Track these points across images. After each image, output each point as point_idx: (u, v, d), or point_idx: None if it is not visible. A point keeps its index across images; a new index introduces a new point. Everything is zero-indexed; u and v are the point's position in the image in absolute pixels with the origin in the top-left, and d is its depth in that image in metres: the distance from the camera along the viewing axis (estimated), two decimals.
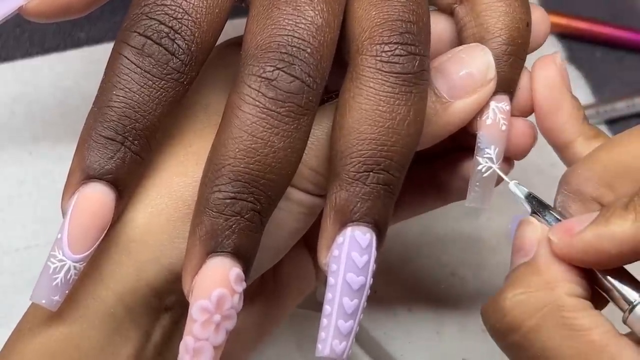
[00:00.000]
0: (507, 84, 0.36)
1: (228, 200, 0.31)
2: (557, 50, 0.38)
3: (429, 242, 0.49)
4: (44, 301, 0.31)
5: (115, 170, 0.32)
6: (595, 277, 0.33)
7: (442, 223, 0.49)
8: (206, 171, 0.31)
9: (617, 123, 0.56)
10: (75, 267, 0.31)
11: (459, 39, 0.37)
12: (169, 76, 0.32)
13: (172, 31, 0.32)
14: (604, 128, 0.55)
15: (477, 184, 0.36)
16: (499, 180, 0.36)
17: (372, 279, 0.32)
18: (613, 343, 0.31)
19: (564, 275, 0.32)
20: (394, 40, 0.32)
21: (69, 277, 0.31)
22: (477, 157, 0.36)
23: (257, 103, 0.31)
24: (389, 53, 0.32)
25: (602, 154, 0.34)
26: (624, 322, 0.32)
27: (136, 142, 0.32)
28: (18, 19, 0.37)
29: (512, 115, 0.36)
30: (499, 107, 0.36)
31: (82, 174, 0.32)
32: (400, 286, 0.47)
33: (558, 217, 0.34)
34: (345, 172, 0.32)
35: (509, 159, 0.37)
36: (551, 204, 0.35)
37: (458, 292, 0.47)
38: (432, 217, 0.49)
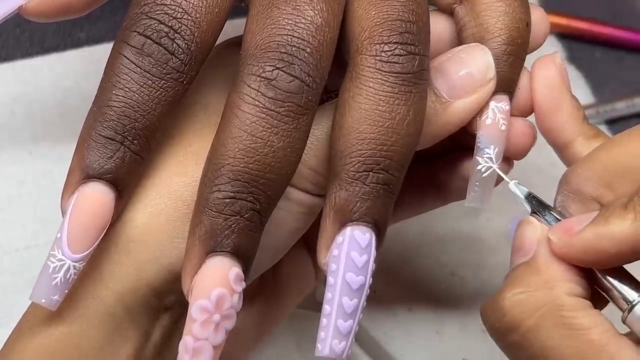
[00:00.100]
0: (506, 84, 0.36)
1: (227, 200, 0.31)
2: (556, 50, 0.38)
3: (429, 242, 0.49)
4: (43, 300, 0.31)
5: (114, 169, 0.32)
6: (595, 277, 0.33)
7: (441, 223, 0.49)
8: (205, 171, 0.31)
9: (617, 123, 0.56)
10: (74, 267, 0.31)
11: (459, 39, 0.37)
12: (168, 76, 0.32)
13: (171, 31, 0.32)
14: (604, 128, 0.55)
15: (477, 183, 0.36)
16: (499, 180, 0.36)
17: (371, 279, 0.32)
18: (612, 342, 0.31)
19: (564, 274, 0.32)
20: (394, 40, 0.32)
21: (68, 276, 0.31)
22: (477, 157, 0.36)
23: (257, 103, 0.31)
24: (389, 53, 0.32)
25: (602, 154, 0.34)
26: (623, 321, 0.32)
27: (136, 141, 0.32)
28: (18, 18, 0.37)
29: (512, 115, 0.36)
30: (499, 107, 0.36)
31: (82, 173, 0.32)
32: (400, 286, 0.47)
33: (558, 217, 0.34)
34: (345, 171, 0.32)
35: (508, 159, 0.37)
36: (551, 203, 0.35)
37: (458, 292, 0.47)
38: (431, 217, 0.49)
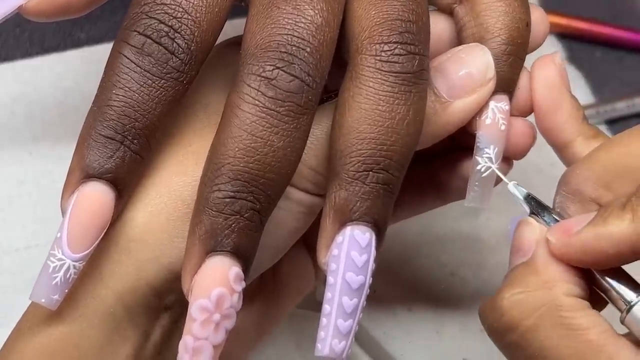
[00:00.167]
0: (506, 84, 0.36)
1: (227, 200, 0.31)
2: (556, 50, 0.38)
3: (429, 242, 0.49)
4: (43, 300, 0.31)
5: (114, 169, 0.32)
6: (593, 277, 0.33)
7: (441, 223, 0.49)
8: (206, 170, 0.31)
9: (617, 123, 0.56)
10: (74, 266, 0.31)
11: (459, 39, 0.37)
12: (168, 75, 0.32)
13: (171, 30, 0.32)
14: (604, 128, 0.55)
15: (476, 183, 0.36)
16: (498, 180, 0.36)
17: (371, 278, 0.32)
18: (610, 343, 0.31)
19: (562, 275, 0.32)
20: (394, 40, 0.32)
21: (68, 276, 0.31)
22: (477, 157, 0.36)
23: (257, 102, 0.31)
24: (389, 52, 0.32)
25: (601, 155, 0.34)
26: (622, 322, 0.32)
27: (136, 141, 0.32)
28: (18, 18, 0.37)
29: (512, 115, 0.37)
30: (498, 106, 0.36)
31: (82, 173, 0.32)
32: (400, 286, 0.47)
33: (557, 217, 0.34)
34: (345, 171, 0.32)
35: (508, 159, 0.37)
36: (550, 204, 0.35)
37: (458, 292, 0.47)
38: (432, 217, 0.49)
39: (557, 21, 0.58)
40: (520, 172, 0.39)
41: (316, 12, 0.32)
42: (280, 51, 0.31)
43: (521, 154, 0.37)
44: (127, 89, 0.32)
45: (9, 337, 0.33)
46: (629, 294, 0.32)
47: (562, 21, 0.59)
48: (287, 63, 0.31)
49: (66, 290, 0.31)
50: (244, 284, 0.31)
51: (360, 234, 0.31)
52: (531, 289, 0.32)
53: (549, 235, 0.33)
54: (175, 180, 0.33)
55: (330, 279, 0.31)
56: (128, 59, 0.32)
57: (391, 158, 0.32)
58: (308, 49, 0.31)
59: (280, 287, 0.40)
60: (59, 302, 0.31)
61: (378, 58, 0.32)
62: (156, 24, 0.32)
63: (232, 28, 0.37)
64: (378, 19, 0.32)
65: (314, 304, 0.43)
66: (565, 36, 0.59)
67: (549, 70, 0.36)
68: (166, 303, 0.33)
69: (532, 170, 0.49)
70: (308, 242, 0.39)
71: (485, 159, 0.36)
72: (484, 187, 0.36)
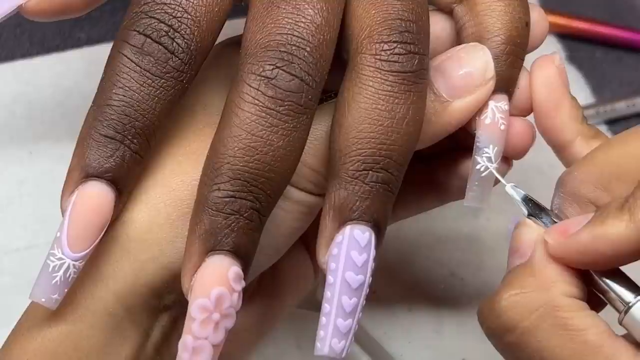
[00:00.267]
0: (506, 84, 0.36)
1: (227, 199, 0.31)
2: (555, 51, 0.38)
3: (429, 243, 0.49)
4: (43, 299, 0.31)
5: (114, 168, 0.32)
6: (591, 279, 0.33)
7: (441, 223, 0.49)
8: (205, 170, 0.31)
9: (617, 123, 0.56)
10: (74, 266, 0.31)
11: (458, 39, 0.37)
12: (168, 75, 0.32)
13: (171, 30, 0.32)
14: (603, 128, 0.55)
15: (476, 183, 0.36)
16: (498, 179, 0.36)
17: (371, 278, 0.31)
18: (608, 344, 0.31)
19: (560, 276, 0.32)
20: (394, 39, 0.32)
21: (68, 275, 0.31)
22: (476, 157, 0.36)
23: (257, 102, 0.31)
24: (389, 52, 0.32)
25: (599, 156, 0.34)
26: (620, 323, 0.32)
27: (135, 140, 0.32)
28: (18, 18, 0.37)
29: (511, 114, 0.36)
30: (498, 106, 0.36)
31: (82, 172, 0.32)
32: (400, 286, 0.47)
33: (554, 219, 0.34)
34: (345, 170, 0.32)
35: (507, 159, 0.37)
36: (549, 205, 0.35)
37: (457, 292, 0.47)
38: (431, 218, 0.49)
39: (557, 21, 0.59)
40: (520, 173, 0.39)
41: (316, 11, 0.32)
42: (280, 50, 0.31)
43: (521, 153, 0.37)
44: (127, 88, 0.32)
45: (8, 337, 0.33)
46: (627, 295, 0.32)
47: (562, 21, 0.59)
48: (287, 62, 0.31)
49: (66, 290, 0.31)
50: (243, 284, 0.31)
51: (360, 233, 0.31)
52: (528, 290, 0.32)
53: (547, 237, 0.33)
54: (175, 179, 0.33)
55: (329, 278, 0.31)
56: (128, 58, 0.32)
57: (391, 157, 0.32)
58: (308, 49, 0.31)
59: (279, 286, 0.40)
60: (59, 302, 0.31)
61: (378, 57, 0.32)
62: (156, 24, 0.32)
63: (232, 28, 0.37)
64: (378, 19, 0.32)
65: (314, 304, 0.43)
66: (565, 36, 0.59)
67: (549, 70, 0.36)
68: (166, 303, 0.33)
69: (532, 171, 0.50)
70: (307, 241, 0.39)
71: (485, 158, 0.36)
72: (483, 187, 0.36)
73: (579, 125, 0.36)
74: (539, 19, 0.37)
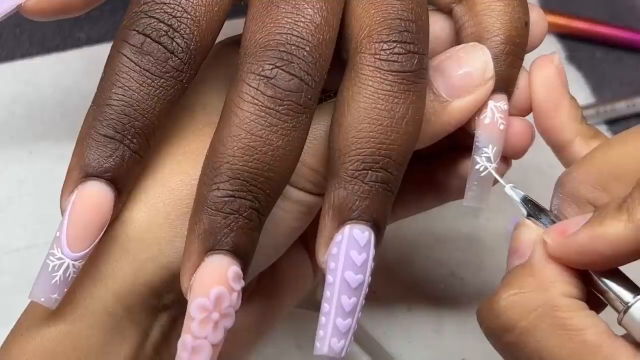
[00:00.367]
0: (505, 83, 0.36)
1: (226, 199, 0.31)
2: (555, 51, 0.38)
3: (428, 242, 0.49)
4: (42, 299, 0.31)
5: (114, 168, 0.32)
6: (590, 279, 0.33)
7: (441, 223, 0.49)
8: (204, 169, 0.31)
9: (617, 123, 0.56)
10: (74, 265, 0.31)
11: (458, 38, 0.37)
12: (167, 74, 0.32)
13: (171, 29, 0.32)
14: (603, 128, 0.55)
15: (475, 183, 0.36)
16: (497, 179, 0.36)
17: (370, 277, 0.31)
18: (607, 344, 0.31)
19: (559, 276, 0.32)
20: (393, 39, 0.32)
21: (67, 275, 0.31)
22: (475, 156, 0.36)
23: (256, 101, 0.31)
24: (388, 51, 0.32)
25: (597, 157, 0.34)
26: (619, 322, 0.32)
27: (135, 140, 0.32)
28: (18, 18, 0.37)
29: (511, 114, 0.37)
30: (497, 106, 0.36)
31: (81, 172, 0.32)
32: (400, 286, 0.47)
33: (554, 219, 0.34)
34: (344, 170, 0.32)
35: (506, 159, 0.37)
36: (549, 205, 0.35)
37: (457, 292, 0.47)
38: (431, 217, 0.49)
39: (557, 21, 0.59)
40: (520, 173, 0.39)
41: (315, 11, 0.32)
42: (279, 50, 0.31)
43: (520, 153, 0.37)
44: (126, 88, 0.32)
45: (7, 336, 0.33)
46: (625, 295, 0.32)
47: (562, 21, 0.59)
48: (286, 62, 0.31)
49: (65, 289, 0.31)
50: (242, 283, 0.31)
51: (359, 233, 0.31)
52: (527, 290, 0.32)
53: (546, 237, 0.33)
54: (174, 179, 0.33)
55: (329, 278, 0.31)
56: (127, 58, 0.32)
57: (390, 157, 0.32)
58: (307, 48, 0.31)
59: (278, 286, 0.40)
60: (58, 301, 0.31)
61: (377, 57, 0.32)
62: (155, 23, 0.32)
63: (232, 28, 0.37)
64: (377, 18, 0.32)
65: (314, 303, 0.43)
66: (565, 36, 0.59)
67: (548, 70, 0.36)
68: (165, 302, 0.33)
69: (532, 171, 0.50)
70: (307, 241, 0.39)
71: (484, 158, 0.36)
72: (482, 187, 0.36)
73: (578, 125, 0.36)
74: (538, 18, 0.37)
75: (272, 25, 0.32)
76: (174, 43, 0.32)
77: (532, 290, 0.32)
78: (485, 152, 0.36)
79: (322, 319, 0.31)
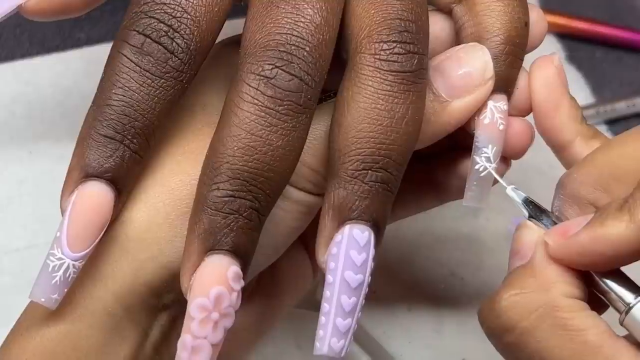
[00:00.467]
0: (505, 84, 0.36)
1: (226, 198, 0.31)
2: (555, 51, 0.38)
3: (428, 242, 0.49)
4: (42, 299, 0.31)
5: (114, 168, 0.32)
6: (592, 279, 0.32)
7: (441, 223, 0.49)
8: (204, 169, 0.31)
9: (617, 123, 0.56)
10: (74, 266, 0.31)
11: (458, 39, 0.37)
12: (168, 75, 0.32)
13: (171, 30, 0.32)
14: (603, 128, 0.55)
15: (475, 183, 0.36)
16: (497, 179, 0.36)
17: (370, 277, 0.32)
18: (608, 344, 0.31)
19: (560, 277, 0.32)
20: (393, 39, 0.32)
21: (67, 275, 0.31)
22: (475, 157, 0.36)
23: (256, 101, 0.31)
24: (388, 51, 0.32)
25: (598, 158, 0.34)
26: (621, 323, 0.32)
27: (135, 140, 0.32)
28: (18, 18, 0.37)
29: (511, 115, 0.37)
30: (497, 106, 0.36)
31: (81, 172, 0.32)
32: (400, 286, 0.47)
33: (555, 220, 0.34)
34: (344, 170, 0.32)
35: (506, 159, 0.37)
36: (549, 206, 0.35)
37: (457, 292, 0.47)
38: (431, 217, 0.49)
39: (557, 21, 0.59)
40: (520, 174, 0.39)
41: (315, 11, 0.32)
42: (279, 50, 0.31)
43: (519, 153, 0.37)
44: (126, 88, 0.32)
45: (7, 336, 0.33)
46: (627, 295, 0.32)
47: (562, 21, 0.59)
48: (286, 62, 0.31)
49: (65, 290, 0.31)
50: (242, 283, 0.31)
51: (359, 233, 0.31)
52: (528, 290, 0.32)
53: (547, 238, 0.33)
54: (174, 179, 0.33)
55: (329, 278, 0.31)
56: (127, 58, 0.32)
57: (390, 157, 0.32)
58: (307, 48, 0.31)
59: (278, 286, 0.40)
60: (59, 302, 0.31)
61: (377, 57, 0.32)
62: (155, 24, 0.32)
63: (232, 28, 0.37)
64: (377, 18, 0.32)
65: (314, 303, 0.43)
66: (565, 36, 0.59)
67: (548, 71, 0.36)
68: (165, 302, 0.33)
69: (532, 171, 0.50)
70: (306, 241, 0.39)
71: (484, 158, 0.36)
72: (482, 187, 0.36)
73: (578, 126, 0.36)
74: (537, 19, 0.37)
75: (272, 25, 0.32)
76: (174, 43, 0.32)
77: (533, 290, 0.32)
78: (485, 152, 0.36)
79: (322, 319, 0.31)
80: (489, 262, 0.48)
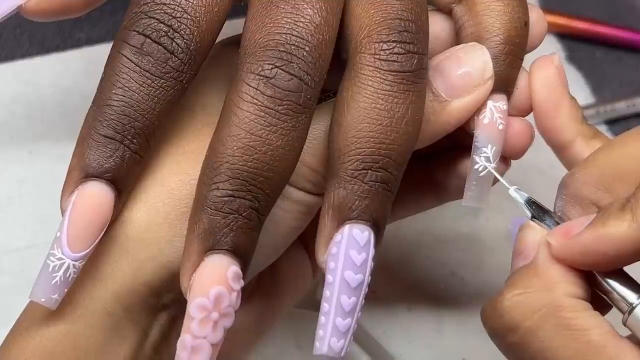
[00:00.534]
0: (504, 83, 0.36)
1: (226, 198, 0.31)
2: (554, 51, 0.38)
3: (429, 242, 0.49)
4: (43, 299, 0.31)
5: (114, 168, 0.32)
6: (595, 279, 0.32)
7: (441, 223, 0.49)
8: (204, 169, 0.31)
9: (617, 123, 0.56)
10: (74, 266, 0.31)
11: (458, 39, 0.37)
12: (168, 75, 0.32)
13: (171, 30, 0.32)
14: (603, 128, 0.55)
15: (474, 182, 0.36)
16: (497, 179, 0.36)
17: (370, 277, 0.32)
18: (612, 344, 0.31)
19: (563, 277, 0.32)
20: (393, 39, 0.32)
21: (68, 275, 0.31)
22: (474, 156, 0.36)
23: (256, 101, 0.31)
24: (388, 51, 0.32)
25: (599, 158, 0.34)
26: (624, 323, 0.32)
27: (135, 140, 0.32)
28: (18, 18, 0.37)
29: (511, 115, 0.36)
30: (496, 106, 0.36)
31: (81, 172, 0.32)
32: (400, 285, 0.47)
33: (558, 221, 0.34)
34: (344, 170, 0.32)
35: (506, 159, 0.37)
36: (551, 206, 0.35)
37: (457, 292, 0.47)
38: (431, 218, 0.49)
39: (557, 21, 0.59)
40: (520, 174, 0.39)
41: (315, 11, 0.32)
42: (279, 50, 0.31)
43: (519, 153, 0.37)
44: (126, 88, 0.32)
45: (6, 336, 0.33)
46: (630, 295, 0.32)
47: (562, 21, 0.59)
48: (286, 62, 0.31)
49: (66, 290, 0.31)
50: (242, 283, 0.31)
51: (359, 233, 0.31)
52: (532, 290, 0.32)
53: (550, 238, 0.33)
54: (174, 179, 0.33)
55: (328, 278, 0.31)
56: (127, 58, 0.32)
57: (390, 157, 0.32)
58: (307, 48, 0.31)
59: (278, 285, 0.40)
60: (59, 302, 0.31)
61: (377, 57, 0.32)
62: (155, 24, 0.32)
63: (232, 28, 0.37)
64: (377, 18, 0.32)
65: (314, 304, 0.43)
66: (565, 36, 0.59)
67: (548, 71, 0.36)
68: (164, 302, 0.33)
69: (532, 171, 0.50)
70: (306, 241, 0.39)
71: (483, 158, 0.36)
72: (481, 186, 0.36)
73: (579, 126, 0.36)
74: (537, 19, 0.37)
75: (271, 25, 0.32)
76: (174, 43, 0.32)
77: (537, 290, 0.32)
78: (484, 152, 0.36)
79: (322, 319, 0.31)
80: (490, 262, 0.48)
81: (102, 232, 0.32)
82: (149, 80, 0.32)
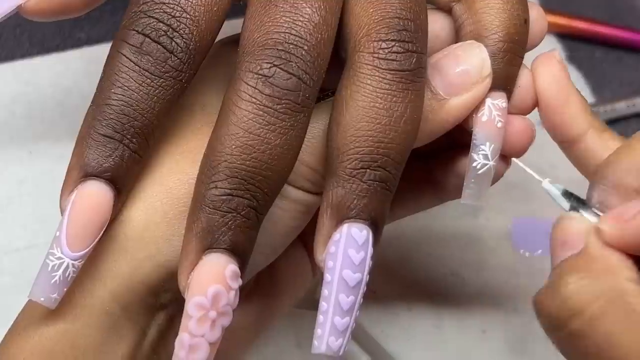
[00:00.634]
0: (503, 81, 0.36)
1: (224, 197, 0.31)
2: (554, 48, 0.38)
3: (429, 242, 0.49)
4: (42, 299, 0.31)
5: (113, 168, 0.32)
6: None
7: (441, 223, 0.49)
8: (202, 168, 0.31)
9: (617, 123, 0.56)
10: (73, 265, 0.31)
11: (457, 37, 0.37)
12: (167, 74, 0.32)
13: (170, 29, 0.32)
14: None
15: (472, 180, 0.36)
16: (495, 178, 0.36)
17: (368, 276, 0.31)
18: None
19: (622, 262, 0.31)
20: (392, 38, 0.32)
21: (67, 274, 0.31)
22: (472, 154, 0.35)
23: (254, 100, 0.31)
24: (387, 50, 0.32)
25: (638, 145, 0.33)
26: None
27: (134, 140, 0.32)
28: (18, 18, 0.37)
29: (512, 113, 0.36)
30: (495, 104, 0.36)
31: (81, 171, 0.32)
32: (400, 285, 0.47)
33: (596, 211, 0.33)
34: (342, 169, 0.31)
35: (506, 157, 0.37)
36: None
37: (457, 292, 0.47)
38: (431, 217, 0.49)
39: (557, 21, 0.59)
40: (521, 173, 0.39)
41: (314, 10, 0.32)
42: (277, 49, 0.31)
43: (520, 152, 0.37)
44: (125, 88, 0.32)
45: (5, 336, 0.33)
46: None
47: (562, 21, 0.59)
48: (285, 61, 0.31)
49: (65, 289, 0.31)
50: (240, 282, 0.31)
51: (358, 232, 0.31)
52: (594, 274, 0.31)
53: (602, 224, 0.32)
54: (172, 178, 0.33)
55: (327, 277, 0.31)
56: (127, 57, 0.32)
57: (388, 155, 0.32)
58: (305, 47, 0.31)
59: (277, 285, 0.40)
60: (58, 301, 0.31)
61: (376, 56, 0.32)
62: (155, 23, 0.32)
63: (231, 28, 0.37)
64: (376, 17, 0.32)
65: (313, 303, 0.43)
66: (565, 36, 0.59)
67: (553, 67, 0.36)
68: (162, 301, 0.33)
69: (534, 171, 0.49)
70: (305, 240, 0.39)
71: (481, 156, 0.36)
72: (479, 184, 0.36)
73: (590, 118, 0.36)
74: (537, 17, 0.37)
75: (270, 24, 0.32)
76: (173, 43, 0.32)
77: (599, 274, 0.31)
78: (483, 150, 0.35)
79: (320, 318, 0.31)
80: (490, 262, 0.48)
81: (102, 232, 0.32)
82: (148, 80, 0.32)
